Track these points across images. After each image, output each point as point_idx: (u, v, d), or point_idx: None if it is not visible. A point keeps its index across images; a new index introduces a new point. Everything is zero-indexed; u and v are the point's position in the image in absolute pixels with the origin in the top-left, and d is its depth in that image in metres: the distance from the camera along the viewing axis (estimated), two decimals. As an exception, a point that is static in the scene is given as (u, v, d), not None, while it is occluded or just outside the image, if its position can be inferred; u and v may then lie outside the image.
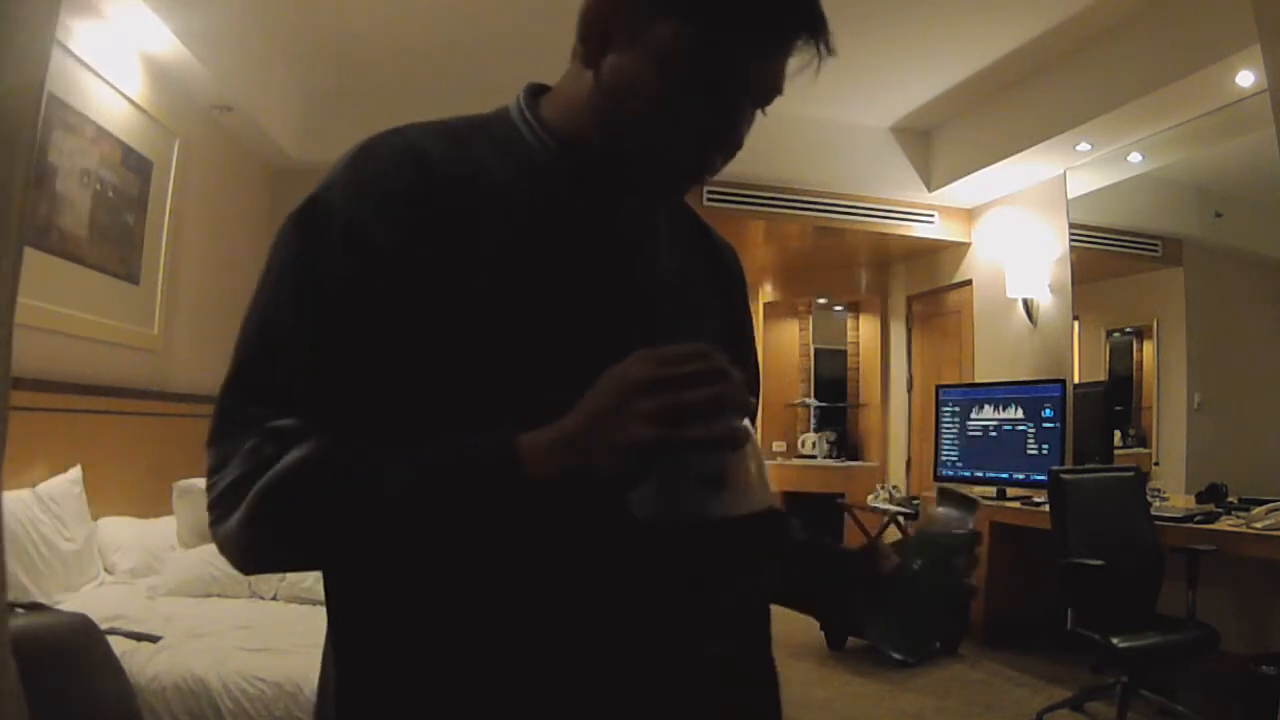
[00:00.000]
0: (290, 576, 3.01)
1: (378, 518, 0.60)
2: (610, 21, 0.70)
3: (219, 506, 0.62)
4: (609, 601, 0.66)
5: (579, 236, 0.73)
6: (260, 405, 0.63)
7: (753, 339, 0.96)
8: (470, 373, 0.65)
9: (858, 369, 7.21)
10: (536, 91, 0.80)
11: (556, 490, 0.58)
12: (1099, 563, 2.98)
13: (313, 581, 3.00)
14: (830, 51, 0.71)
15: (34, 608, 2.10)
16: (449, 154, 0.71)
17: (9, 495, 2.48)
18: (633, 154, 0.71)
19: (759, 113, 0.75)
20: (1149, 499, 3.64)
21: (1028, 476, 4.58)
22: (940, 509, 0.82)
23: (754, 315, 5.99)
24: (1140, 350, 4.78)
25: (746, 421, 0.59)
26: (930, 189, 5.47)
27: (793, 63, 0.72)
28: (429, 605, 0.65)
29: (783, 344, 7.40)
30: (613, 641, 0.66)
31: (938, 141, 5.42)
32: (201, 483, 2.53)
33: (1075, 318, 4.95)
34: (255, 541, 0.62)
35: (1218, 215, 4.44)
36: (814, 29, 0.69)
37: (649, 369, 0.58)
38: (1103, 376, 4.88)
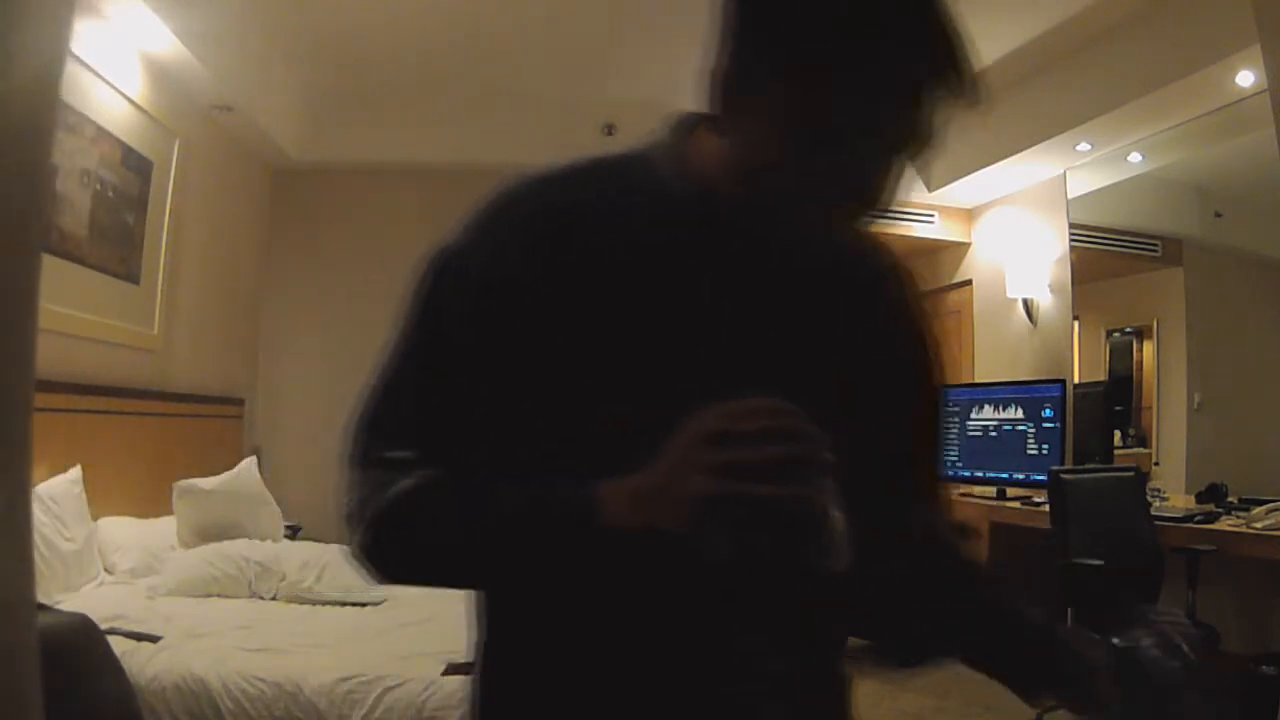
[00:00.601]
0: (290, 577, 3.01)
1: (468, 553, 0.68)
2: (732, 84, 0.70)
3: (350, 523, 0.71)
4: (681, 627, 0.69)
5: (709, 284, 0.72)
6: (383, 438, 0.71)
7: (917, 384, 0.85)
8: (581, 416, 0.68)
9: (858, 369, 7.21)
10: (688, 124, 0.78)
11: (630, 537, 0.62)
12: (1099, 563, 2.98)
13: (312, 581, 3.00)
14: (969, 89, 0.69)
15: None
16: (581, 201, 0.74)
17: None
18: (766, 209, 0.70)
19: (909, 161, 0.73)
20: (1149, 499, 3.64)
21: (1028, 476, 4.58)
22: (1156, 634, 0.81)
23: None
24: (1140, 350, 4.78)
25: (828, 481, 0.59)
26: (930, 189, 5.46)
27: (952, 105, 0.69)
28: (545, 626, 0.72)
29: (783, 344, 7.40)
30: (682, 663, 0.70)
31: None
32: (201, 482, 2.58)
33: (1075, 318, 4.94)
34: (375, 558, 0.71)
35: (1218, 215, 4.43)
36: (936, 69, 0.66)
37: (716, 422, 0.60)
38: (1103, 376, 4.88)
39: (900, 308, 0.86)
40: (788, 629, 0.73)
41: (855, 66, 0.64)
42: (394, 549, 0.70)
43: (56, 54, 0.76)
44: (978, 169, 5.02)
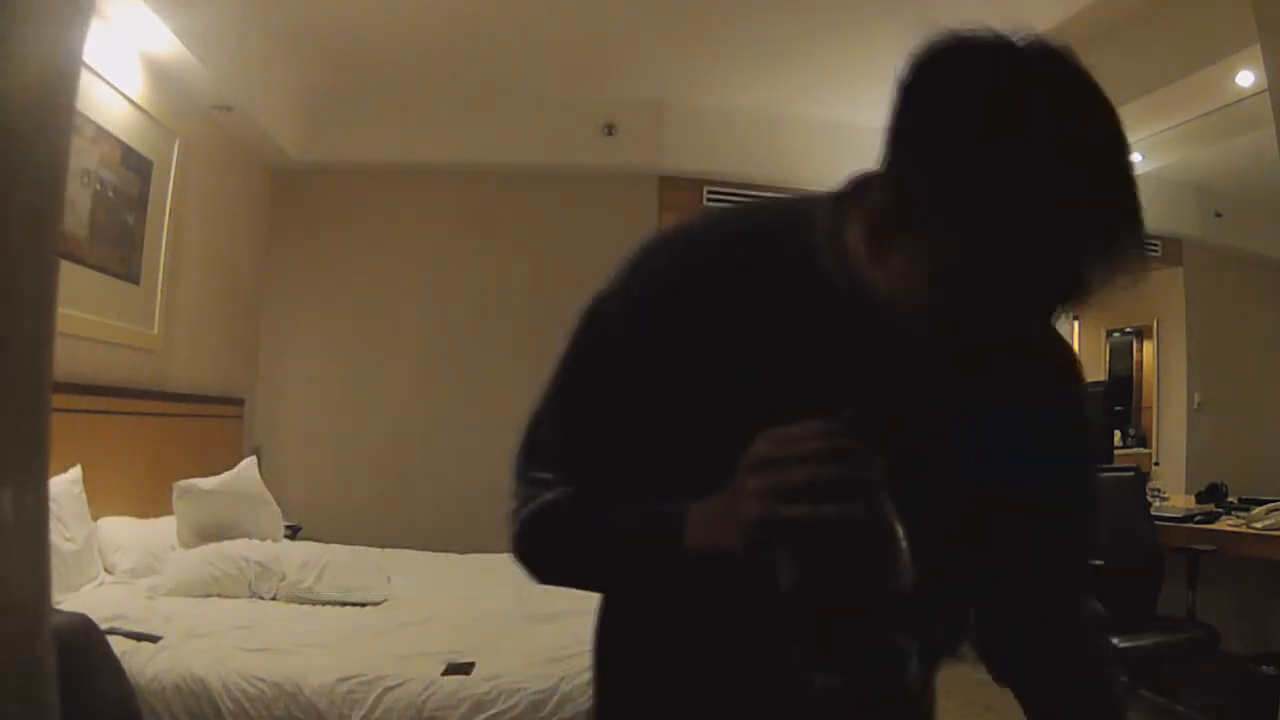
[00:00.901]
0: (290, 577, 3.01)
1: (586, 559, 0.80)
2: (898, 218, 0.69)
3: (509, 526, 0.82)
4: (734, 641, 0.78)
5: (832, 350, 0.74)
6: (533, 460, 0.82)
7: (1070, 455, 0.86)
8: (695, 453, 0.74)
9: (858, 369, 7.21)
10: (843, 208, 0.78)
11: (710, 555, 0.69)
12: (1099, 563, 2.97)
13: (312, 582, 3.00)
14: (1136, 256, 0.64)
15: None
16: (725, 261, 0.78)
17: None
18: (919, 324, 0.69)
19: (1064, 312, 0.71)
20: (1149, 499, 3.64)
21: (1028, 476, 4.57)
22: None
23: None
24: (1140, 350, 4.78)
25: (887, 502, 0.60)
26: (930, 189, 5.46)
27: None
28: (653, 621, 0.83)
29: (783, 344, 7.40)
30: (735, 675, 0.79)
31: (938, 141, 5.42)
32: (201, 482, 2.60)
33: (1075, 318, 4.94)
34: (524, 562, 0.83)
35: (1218, 215, 4.43)
36: (1112, 245, 0.63)
37: (763, 447, 0.64)
38: (1103, 376, 4.88)
39: (1057, 392, 0.85)
40: (846, 646, 0.72)
41: (1034, 237, 0.61)
42: (537, 555, 0.83)
43: (71, 54, 0.76)
44: (978, 169, 5.02)
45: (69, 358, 3.13)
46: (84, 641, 1.90)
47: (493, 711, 2.10)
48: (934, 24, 0.69)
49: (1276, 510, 3.19)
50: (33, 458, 0.72)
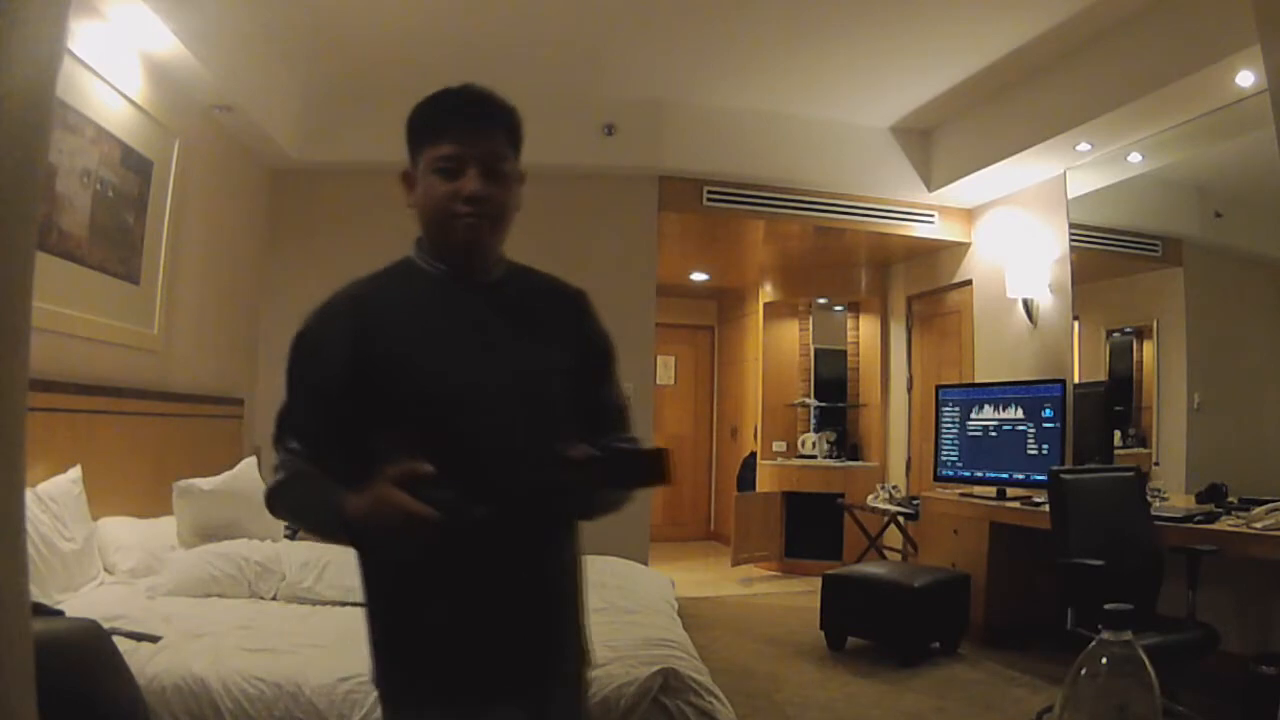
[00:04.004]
0: (290, 577, 3.01)
1: (301, 523, 1.34)
2: (407, 186, 1.35)
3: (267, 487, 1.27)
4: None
5: (446, 323, 1.27)
6: (285, 437, 1.25)
7: (603, 351, 1.40)
8: (389, 419, 1.21)
9: (858, 369, 7.21)
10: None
11: (362, 524, 1.12)
12: (1099, 563, 2.98)
13: (312, 582, 3.00)
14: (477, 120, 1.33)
15: (34, 609, 2.10)
16: (370, 295, 1.30)
17: (9, 495, 2.48)
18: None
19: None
20: (1149, 499, 3.64)
21: (1028, 476, 4.58)
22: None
23: (755, 315, 5.94)
24: (1140, 350, 4.78)
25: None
26: (930, 189, 5.47)
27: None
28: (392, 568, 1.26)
29: (783, 344, 7.40)
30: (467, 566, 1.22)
31: (938, 141, 5.42)
32: (200, 482, 2.63)
33: (1075, 318, 4.94)
34: (272, 511, 1.27)
35: (1218, 215, 4.43)
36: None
37: (382, 497, 1.11)
38: (1103, 376, 4.88)
39: (580, 312, 1.40)
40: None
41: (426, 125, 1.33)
42: (278, 516, 1.30)
43: (52, 51, 0.76)
44: (978, 169, 5.02)
45: (69, 358, 3.13)
46: (94, 645, 1.90)
47: (493, 711, 2.10)
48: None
49: (1276, 510, 3.19)
50: (7, 456, 0.72)
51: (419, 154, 1.28)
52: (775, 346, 7.37)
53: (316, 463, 1.21)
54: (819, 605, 4.48)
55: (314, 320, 1.28)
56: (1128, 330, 4.89)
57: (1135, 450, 4.56)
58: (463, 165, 1.23)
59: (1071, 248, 4.89)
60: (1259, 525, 3.17)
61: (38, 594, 2.45)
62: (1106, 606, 0.77)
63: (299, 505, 1.24)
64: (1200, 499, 3.69)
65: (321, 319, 1.28)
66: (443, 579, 1.20)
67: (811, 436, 7.15)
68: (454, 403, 1.21)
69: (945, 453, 5.14)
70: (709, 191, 5.23)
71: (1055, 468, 3.47)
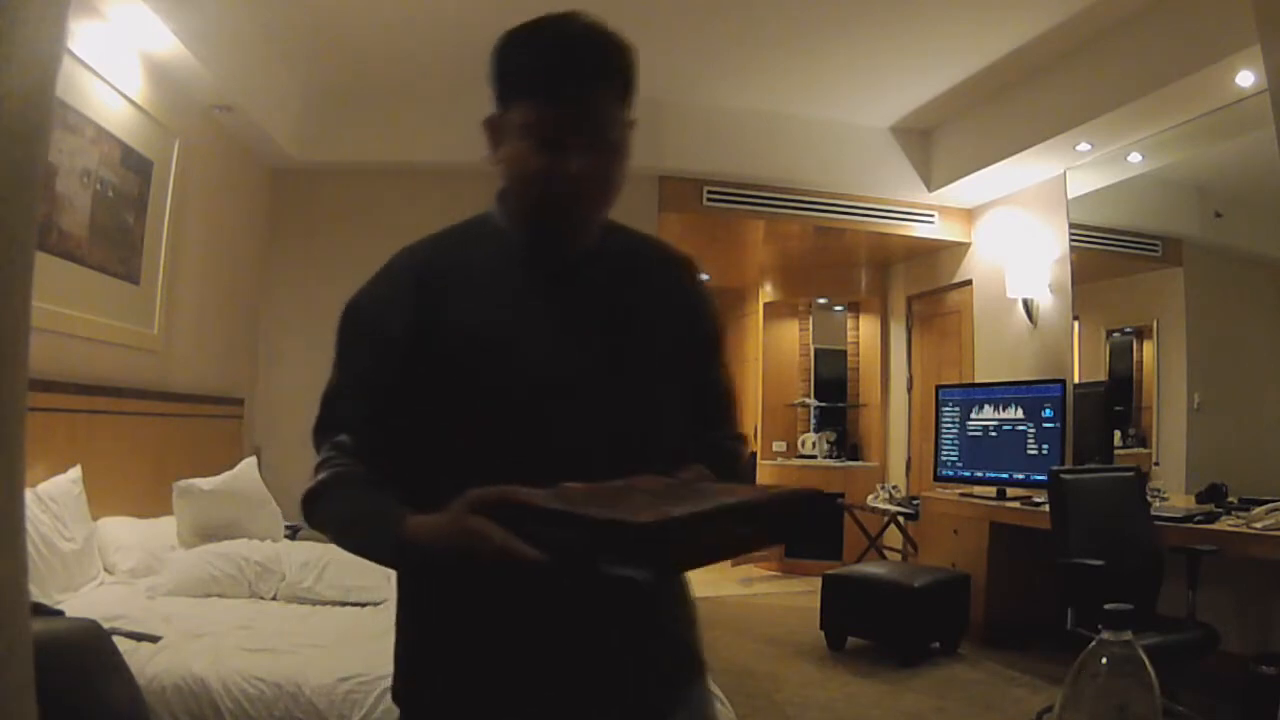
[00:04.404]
0: (290, 577, 3.01)
1: (341, 538, 1.01)
2: (494, 137, 1.09)
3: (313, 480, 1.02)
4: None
5: (532, 303, 1.03)
6: (332, 427, 1.02)
7: (710, 329, 1.18)
8: (454, 410, 0.98)
9: (858, 369, 7.21)
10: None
11: (425, 550, 0.90)
12: (1099, 563, 2.98)
13: (312, 582, 3.00)
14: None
15: (34, 609, 2.10)
16: (439, 259, 1.05)
17: (9, 495, 2.48)
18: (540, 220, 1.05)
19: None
20: (1149, 499, 3.64)
21: (1028, 476, 4.58)
22: None
23: (755, 315, 5.91)
24: (1140, 350, 4.78)
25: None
26: (930, 189, 5.47)
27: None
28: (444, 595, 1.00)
29: (783, 344, 7.40)
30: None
31: (938, 141, 5.42)
32: (200, 482, 2.61)
33: (1075, 318, 4.94)
34: (307, 518, 1.02)
35: (1218, 215, 4.43)
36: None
37: (476, 527, 0.86)
38: (1103, 376, 4.88)
39: (691, 297, 1.15)
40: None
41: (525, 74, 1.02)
42: (315, 525, 1.02)
43: (52, 51, 0.76)
44: (978, 169, 5.02)
45: (69, 358, 3.13)
46: (95, 645, 1.90)
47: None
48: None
49: (1276, 510, 3.19)
50: (6, 457, 0.72)
51: (508, 104, 1.02)
52: (775, 346, 7.37)
53: (369, 463, 0.98)
54: (819, 605, 4.47)
55: (372, 284, 1.04)
56: (1128, 330, 4.89)
57: (1135, 450, 4.56)
58: (565, 134, 0.96)
59: (1071, 248, 4.88)
60: (1259, 525, 3.17)
61: (38, 594, 2.45)
62: (1106, 606, 0.77)
63: (345, 516, 0.99)
64: (1200, 499, 3.69)
65: (381, 282, 1.04)
66: (520, 622, 0.96)
67: (811, 436, 7.15)
68: (539, 395, 0.98)
69: (945, 453, 5.14)
70: (709, 191, 5.23)
71: (1055, 468, 3.47)
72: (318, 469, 1.00)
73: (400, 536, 0.90)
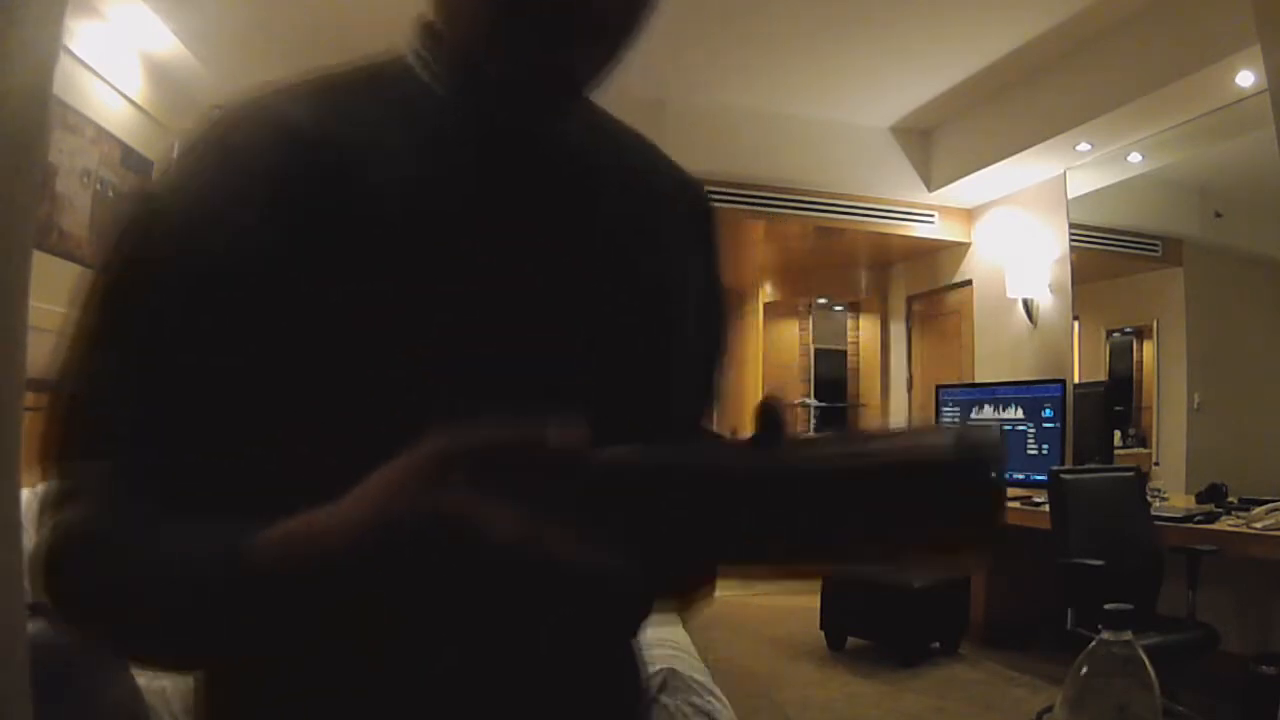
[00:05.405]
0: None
1: (146, 610, 0.53)
2: None
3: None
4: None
5: (494, 198, 0.62)
6: (99, 438, 0.54)
7: (720, 289, 0.82)
8: (360, 361, 0.53)
9: (858, 369, 7.22)
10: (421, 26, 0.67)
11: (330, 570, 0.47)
12: (1099, 563, 2.97)
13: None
14: None
15: (33, 609, 2.10)
16: (326, 124, 0.58)
17: (9, 495, 2.48)
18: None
19: None
20: (1149, 499, 3.64)
21: (1028, 476, 4.58)
22: None
23: (755, 315, 5.90)
24: (1140, 350, 4.78)
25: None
26: (930, 189, 5.47)
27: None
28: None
29: (783, 344, 7.41)
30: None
31: (938, 141, 5.42)
32: None
33: (1075, 318, 4.95)
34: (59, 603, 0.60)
35: (1218, 215, 4.44)
36: None
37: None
38: (1103, 376, 4.88)
39: (707, 223, 0.81)
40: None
41: None
42: (74, 589, 0.58)
43: (51, 51, 0.76)
44: (978, 169, 5.02)
45: (69, 358, 3.13)
46: (92, 645, 1.90)
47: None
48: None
49: (1276, 510, 3.19)
50: (4, 456, 0.73)
51: None
52: (775, 346, 7.38)
53: (180, 477, 0.52)
54: (819, 605, 4.48)
55: (192, 179, 0.58)
56: (1128, 330, 4.89)
57: (1135, 450, 4.56)
58: None
59: (1071, 248, 4.89)
60: (1259, 525, 3.17)
61: (36, 595, 2.45)
62: (1106, 606, 0.77)
63: (150, 565, 0.50)
64: (1200, 499, 3.69)
65: (209, 174, 0.58)
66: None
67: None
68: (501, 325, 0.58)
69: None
70: (709, 191, 5.23)
71: (1055, 468, 3.47)
72: (58, 504, 0.55)
73: (253, 566, 0.45)
